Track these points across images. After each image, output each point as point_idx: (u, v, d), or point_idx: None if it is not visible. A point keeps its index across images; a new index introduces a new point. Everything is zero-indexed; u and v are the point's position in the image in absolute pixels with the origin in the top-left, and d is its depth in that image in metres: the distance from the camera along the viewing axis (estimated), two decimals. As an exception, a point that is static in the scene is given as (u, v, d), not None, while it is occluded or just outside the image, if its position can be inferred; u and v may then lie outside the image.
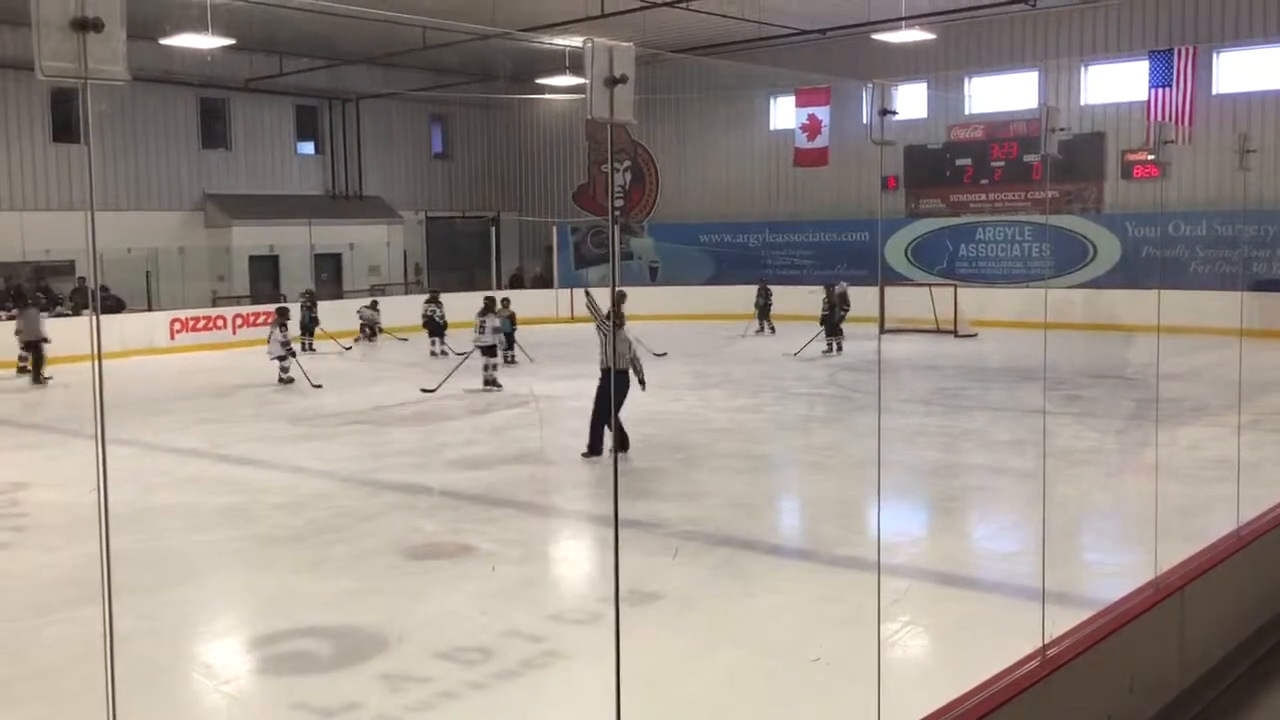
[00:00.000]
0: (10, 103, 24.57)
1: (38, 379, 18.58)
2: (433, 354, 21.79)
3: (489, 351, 17.35)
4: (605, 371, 11.68)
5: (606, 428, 11.57)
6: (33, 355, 18.90)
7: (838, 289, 21.63)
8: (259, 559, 8.63)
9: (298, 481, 11.30)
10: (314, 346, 23.11)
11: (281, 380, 17.93)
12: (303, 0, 20.55)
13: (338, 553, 8.63)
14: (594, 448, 11.61)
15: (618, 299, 12.68)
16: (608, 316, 11.42)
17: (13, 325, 19.73)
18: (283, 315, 18.44)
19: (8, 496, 10.66)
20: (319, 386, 17.56)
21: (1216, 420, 13.10)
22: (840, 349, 20.98)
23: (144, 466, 11.73)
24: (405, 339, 24.76)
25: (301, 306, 23.57)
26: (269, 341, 18.24)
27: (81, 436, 13.29)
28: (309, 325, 23.29)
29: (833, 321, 21.16)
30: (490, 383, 17.08)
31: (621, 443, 11.45)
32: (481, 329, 17.46)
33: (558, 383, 17.95)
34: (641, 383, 11.85)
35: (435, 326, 22.57)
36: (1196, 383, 15.80)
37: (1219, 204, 23.34)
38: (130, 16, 2.55)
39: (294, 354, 18.09)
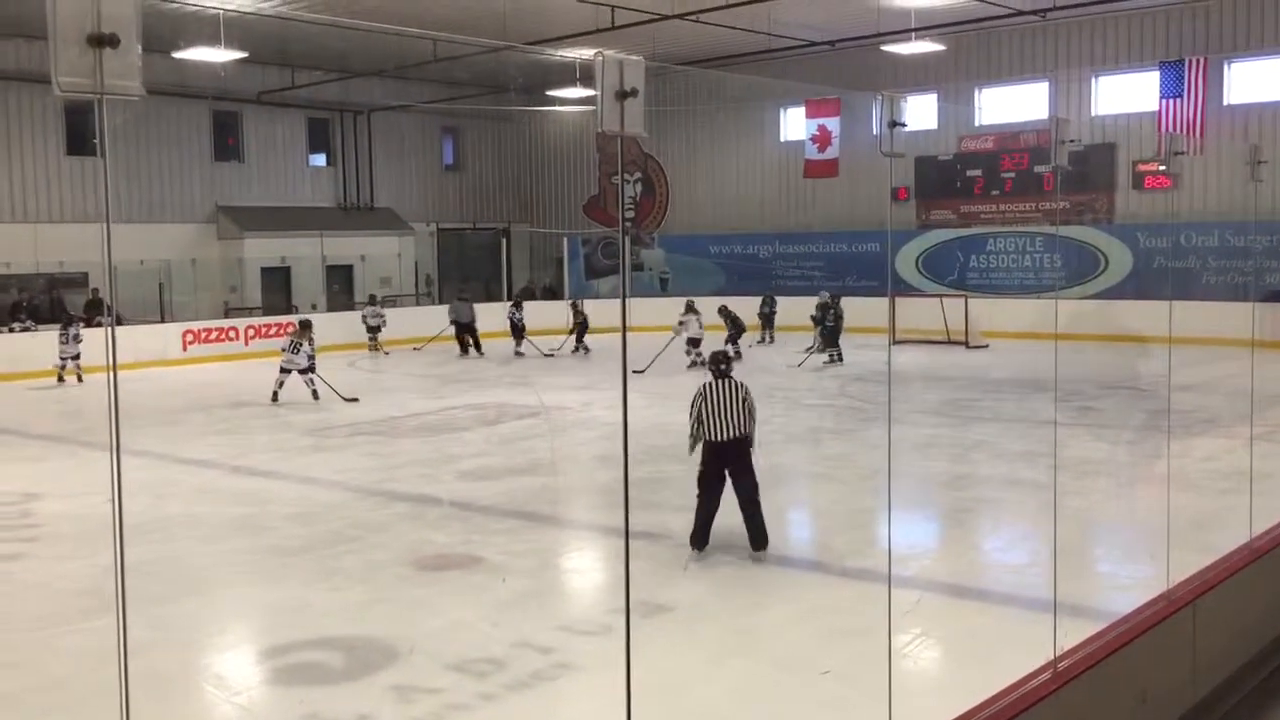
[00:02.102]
0: (25, 116, 24.72)
1: (479, 350, 23.87)
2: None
3: (694, 342, 20.54)
4: (714, 446, 8.27)
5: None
6: (471, 337, 23.91)
7: (827, 297, 21.87)
8: (270, 570, 8.65)
9: (309, 492, 11.33)
10: (522, 351, 23.97)
11: (312, 392, 17.12)
12: (315, 14, 20.66)
13: (349, 564, 8.64)
14: (700, 538, 8.39)
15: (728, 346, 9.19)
16: (713, 366, 8.65)
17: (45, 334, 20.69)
18: (306, 328, 17.71)
19: (20, 507, 10.71)
20: (355, 400, 17.04)
21: (1229, 431, 13.06)
22: (840, 358, 21.07)
23: (156, 477, 11.76)
24: (388, 353, 24.48)
25: (515, 305, 24.92)
26: (295, 352, 17.27)
27: (93, 447, 13.35)
28: (519, 329, 24.24)
29: (836, 332, 21.33)
30: (697, 362, 19.86)
31: (757, 538, 8.39)
32: (683, 325, 20.82)
33: (567, 394, 17.99)
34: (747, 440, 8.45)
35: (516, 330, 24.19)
36: (1209, 394, 15.73)
37: (1231, 215, 23.26)
38: (144, 30, 2.58)
39: (314, 369, 17.34)
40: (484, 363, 22.88)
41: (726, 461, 8.26)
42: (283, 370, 17.38)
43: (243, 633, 7.57)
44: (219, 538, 9.57)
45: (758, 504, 8.30)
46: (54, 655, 6.84)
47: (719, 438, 8.20)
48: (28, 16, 19.60)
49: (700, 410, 8.27)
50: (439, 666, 6.44)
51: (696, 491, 8.42)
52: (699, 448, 8.43)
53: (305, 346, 17.36)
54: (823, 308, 21.96)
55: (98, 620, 7.06)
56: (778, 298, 25.93)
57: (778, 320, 25.59)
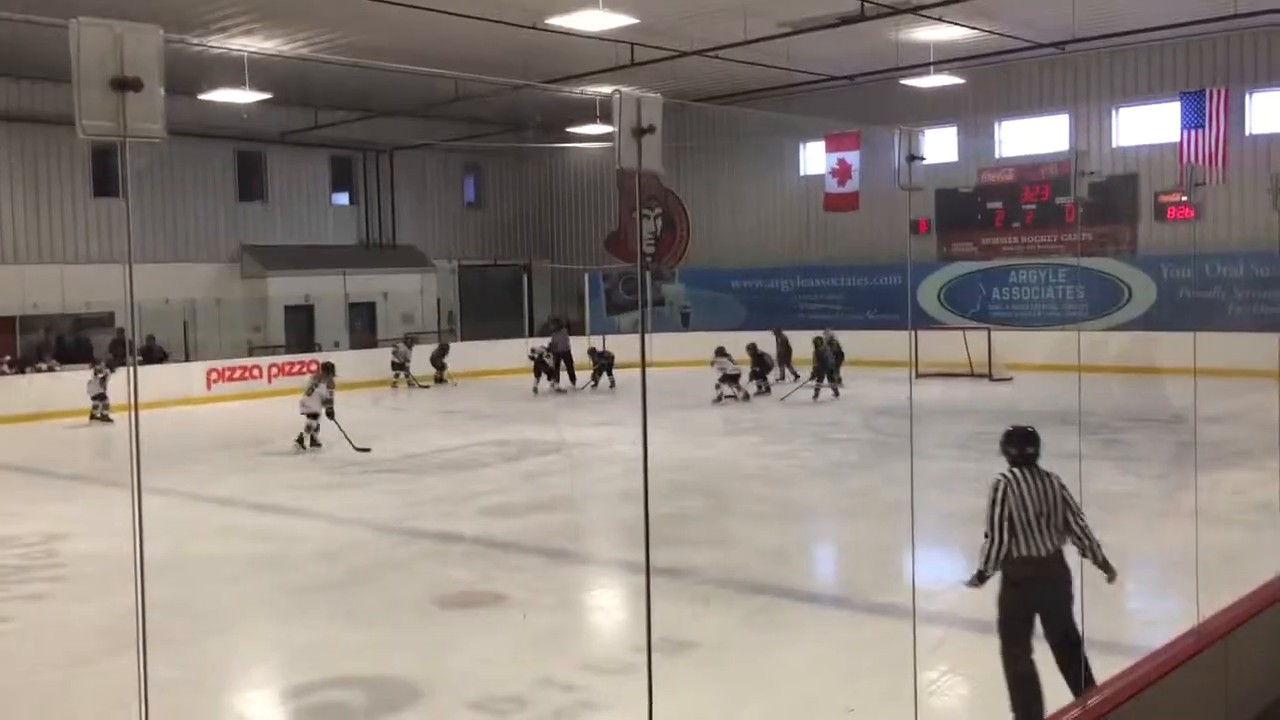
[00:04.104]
0: (52, 158, 25.02)
1: (572, 380, 24.12)
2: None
3: (732, 379, 21.14)
4: (1024, 565, 5.85)
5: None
6: (566, 365, 24.19)
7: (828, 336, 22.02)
8: (293, 608, 8.64)
9: (331, 530, 11.33)
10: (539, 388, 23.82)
11: (311, 443, 16.34)
12: (338, 55, 20.89)
13: (371, 602, 8.63)
14: (1030, 713, 5.72)
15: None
16: (1013, 449, 6.12)
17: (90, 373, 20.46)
18: (328, 371, 16.95)
19: (45, 547, 10.75)
20: (366, 450, 15.99)
21: (1258, 464, 12.91)
22: (819, 394, 21.11)
23: (180, 516, 11.79)
24: (427, 387, 25.00)
25: (552, 344, 24.53)
26: (309, 394, 16.62)
27: (118, 486, 13.38)
28: (546, 366, 24.04)
29: (827, 368, 21.26)
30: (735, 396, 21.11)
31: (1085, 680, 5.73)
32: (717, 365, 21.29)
33: (589, 429, 17.97)
34: (1104, 566, 6.04)
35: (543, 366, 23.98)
36: (1237, 426, 15.59)
37: (1255, 245, 23.12)
38: (168, 72, 2.61)
39: (332, 415, 16.37)
40: (502, 400, 22.90)
41: (1044, 586, 5.82)
42: (303, 414, 16.60)
43: (265, 672, 7.56)
44: (242, 576, 9.58)
45: (1080, 642, 5.84)
46: (77, 696, 6.84)
47: (1035, 552, 5.80)
48: (54, 60, 19.90)
49: (1006, 513, 5.83)
50: (461, 705, 6.40)
51: (1003, 643, 5.89)
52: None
53: (320, 390, 16.55)
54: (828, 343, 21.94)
55: (120, 660, 7.05)
56: (788, 332, 25.10)
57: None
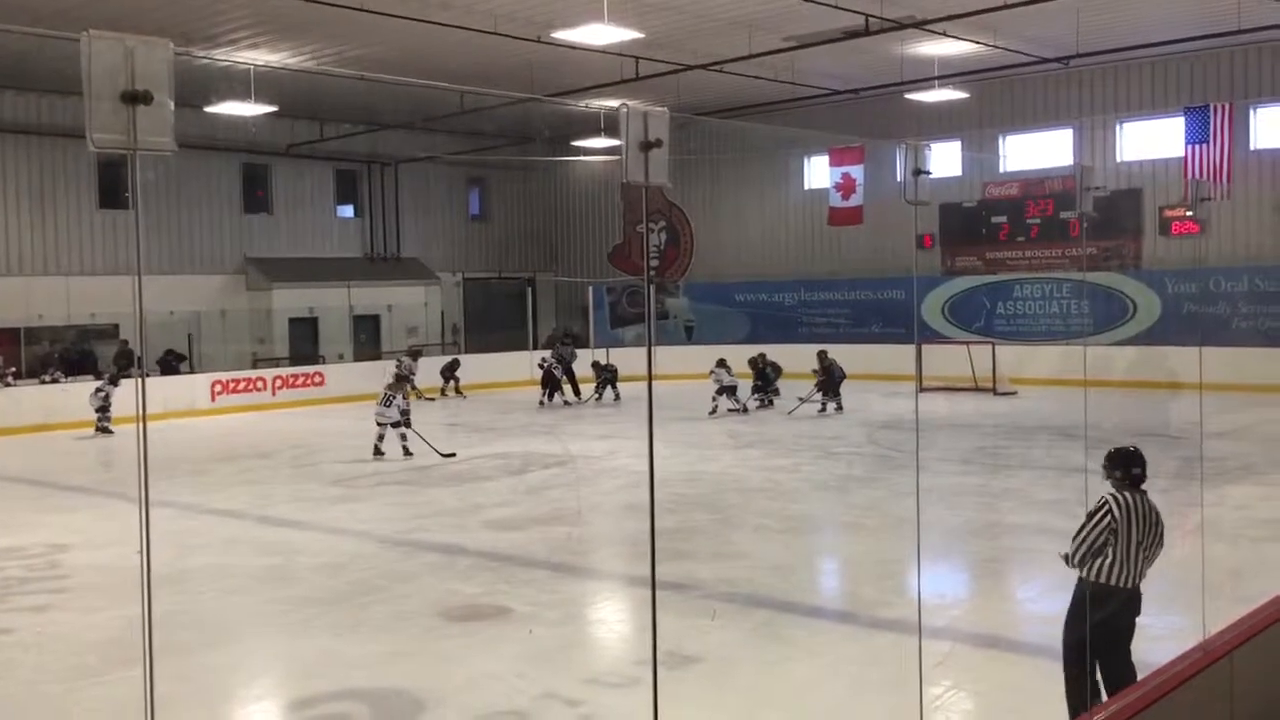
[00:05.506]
0: (59, 171, 25.10)
1: (576, 394, 24.07)
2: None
3: (730, 390, 21.26)
4: (1118, 595, 5.78)
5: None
6: (569, 378, 24.14)
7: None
8: (297, 621, 8.63)
9: (336, 543, 11.32)
10: (544, 401, 23.74)
11: (404, 452, 16.21)
12: (344, 68, 20.98)
13: (375, 614, 8.62)
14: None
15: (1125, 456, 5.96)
16: (1118, 469, 5.95)
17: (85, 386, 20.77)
18: (402, 381, 16.44)
19: (49, 559, 10.75)
20: (452, 455, 16.28)
21: (1264, 479, 12.90)
22: (825, 409, 21.00)
23: (184, 528, 11.79)
24: (433, 399, 25.04)
25: (557, 357, 24.16)
26: (387, 405, 16.41)
27: (122, 498, 13.42)
28: (553, 379, 23.81)
29: (835, 382, 21.12)
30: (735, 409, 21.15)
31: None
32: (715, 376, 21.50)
33: (594, 442, 17.97)
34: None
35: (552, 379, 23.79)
36: (1242, 441, 15.56)
37: (1260, 259, 23.13)
38: (176, 86, 2.61)
39: (409, 423, 16.40)
40: (506, 413, 22.92)
41: (1124, 620, 5.70)
42: (378, 424, 16.58)
43: (270, 685, 7.55)
44: (246, 589, 9.57)
45: (1134, 675, 5.71)
46: (82, 708, 6.83)
47: (1124, 583, 5.68)
48: (63, 73, 19.99)
49: (1100, 535, 5.72)
50: (466, 718, 6.39)
51: (1068, 665, 5.79)
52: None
53: (397, 400, 16.48)
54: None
55: (125, 672, 7.05)
56: (783, 348, 24.65)
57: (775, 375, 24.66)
